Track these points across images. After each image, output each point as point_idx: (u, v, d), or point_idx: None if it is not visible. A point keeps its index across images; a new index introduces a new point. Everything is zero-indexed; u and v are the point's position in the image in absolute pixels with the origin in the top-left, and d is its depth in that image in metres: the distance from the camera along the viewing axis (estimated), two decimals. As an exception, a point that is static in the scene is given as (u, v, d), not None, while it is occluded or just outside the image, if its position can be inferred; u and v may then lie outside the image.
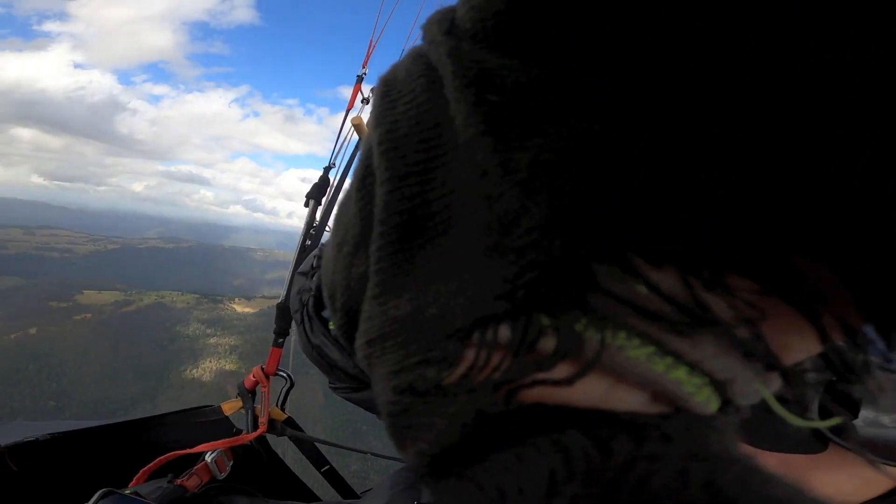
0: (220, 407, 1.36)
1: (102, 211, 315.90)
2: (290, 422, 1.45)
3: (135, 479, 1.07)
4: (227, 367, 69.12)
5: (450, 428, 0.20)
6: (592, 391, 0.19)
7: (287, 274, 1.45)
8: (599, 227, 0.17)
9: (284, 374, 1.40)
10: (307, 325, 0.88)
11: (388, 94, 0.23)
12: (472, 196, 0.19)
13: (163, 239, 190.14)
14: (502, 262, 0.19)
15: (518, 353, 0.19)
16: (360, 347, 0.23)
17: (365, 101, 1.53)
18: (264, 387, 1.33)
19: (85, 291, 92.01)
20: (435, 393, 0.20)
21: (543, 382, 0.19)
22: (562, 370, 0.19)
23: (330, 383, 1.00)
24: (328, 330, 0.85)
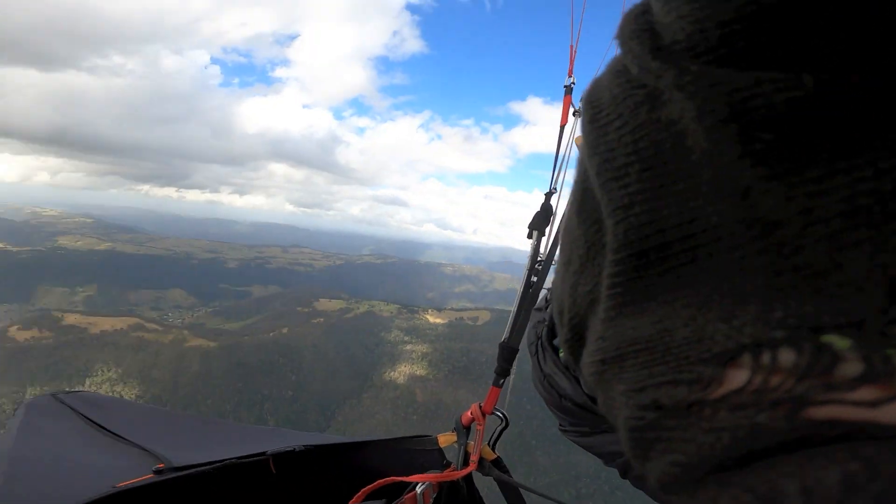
0: (436, 438, 1.39)
1: (332, 232, 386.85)
2: (498, 462, 1.41)
3: (354, 497, 1.14)
4: (418, 373, 75.40)
5: (715, 440, 0.20)
6: None
7: (511, 311, 1.42)
8: None
9: (500, 414, 1.39)
10: (540, 356, 0.90)
11: (597, 118, 0.22)
12: (741, 236, 0.18)
13: (374, 255, 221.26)
14: (789, 300, 0.18)
15: (805, 376, 0.18)
16: (591, 365, 0.24)
17: (577, 113, 1.37)
18: (480, 425, 1.33)
19: (320, 299, 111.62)
20: (689, 409, 0.20)
21: (841, 402, 0.18)
22: (866, 393, 0.18)
23: (559, 426, 0.99)
24: (559, 358, 0.86)
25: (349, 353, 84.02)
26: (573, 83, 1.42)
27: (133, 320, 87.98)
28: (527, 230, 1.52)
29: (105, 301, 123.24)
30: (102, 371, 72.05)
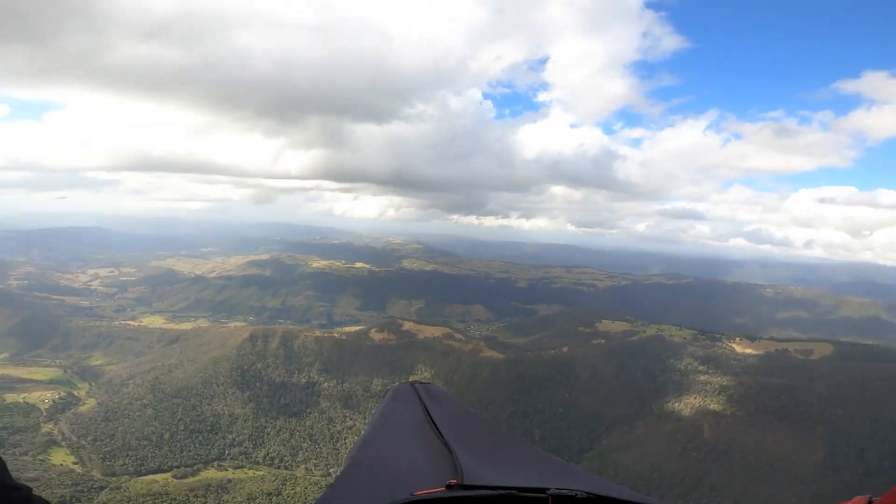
0: None
1: (615, 251, 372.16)
2: None
3: None
4: (711, 407, 62.42)
5: None
6: None
7: None
8: None
9: None
10: None
11: None
12: None
13: (664, 275, 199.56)
14: None
15: None
16: None
17: None
18: None
19: (603, 320, 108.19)
20: None
21: None
22: None
23: None
24: None
25: (628, 378, 77.43)
26: None
27: (446, 330, 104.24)
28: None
29: (429, 312, 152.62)
30: (421, 370, 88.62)
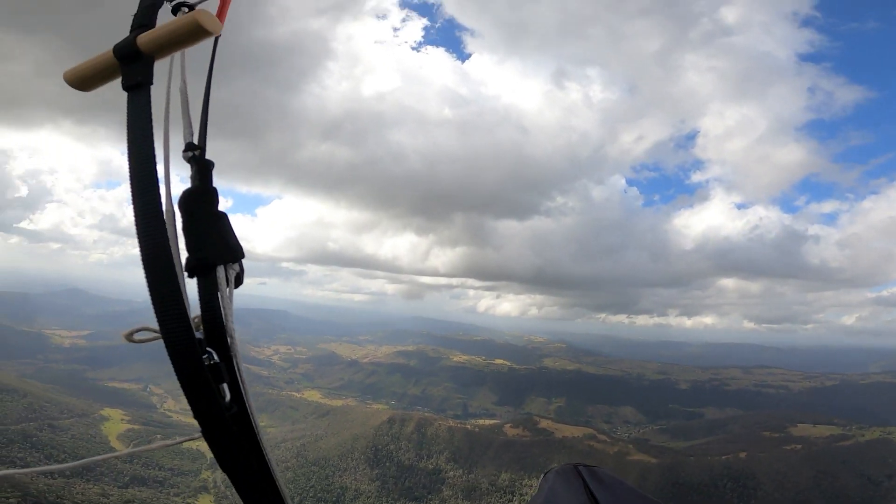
0: None
1: (813, 348, 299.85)
2: None
3: None
4: None
5: None
6: None
7: None
8: None
9: None
10: None
11: None
12: None
13: (889, 373, 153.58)
14: None
15: None
16: None
17: None
18: None
19: (799, 424, 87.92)
20: None
21: None
22: None
23: None
24: None
25: (835, 486, 57.14)
26: None
27: (588, 430, 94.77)
28: None
29: (570, 412, 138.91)
30: None
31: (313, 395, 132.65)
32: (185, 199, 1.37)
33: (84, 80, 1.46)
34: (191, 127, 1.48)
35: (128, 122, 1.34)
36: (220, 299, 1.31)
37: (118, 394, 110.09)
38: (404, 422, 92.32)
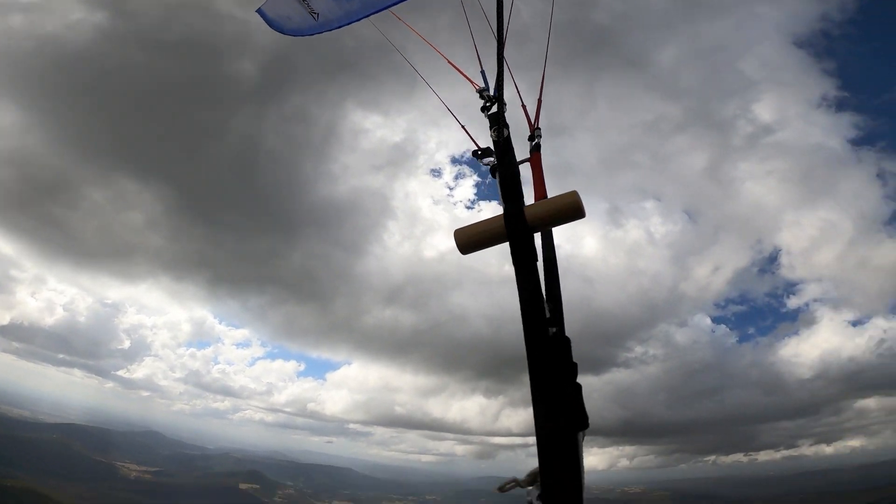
0: None
1: None
2: None
3: None
4: None
5: None
6: None
7: None
8: None
9: None
10: None
11: None
12: None
13: None
14: None
15: None
16: None
17: None
18: None
19: None
20: None
21: None
22: None
23: None
24: None
25: None
26: None
27: None
28: None
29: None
30: None
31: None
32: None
33: (470, 244, 1.68)
34: (544, 303, 1.69)
35: (521, 296, 1.57)
36: (579, 460, 1.55)
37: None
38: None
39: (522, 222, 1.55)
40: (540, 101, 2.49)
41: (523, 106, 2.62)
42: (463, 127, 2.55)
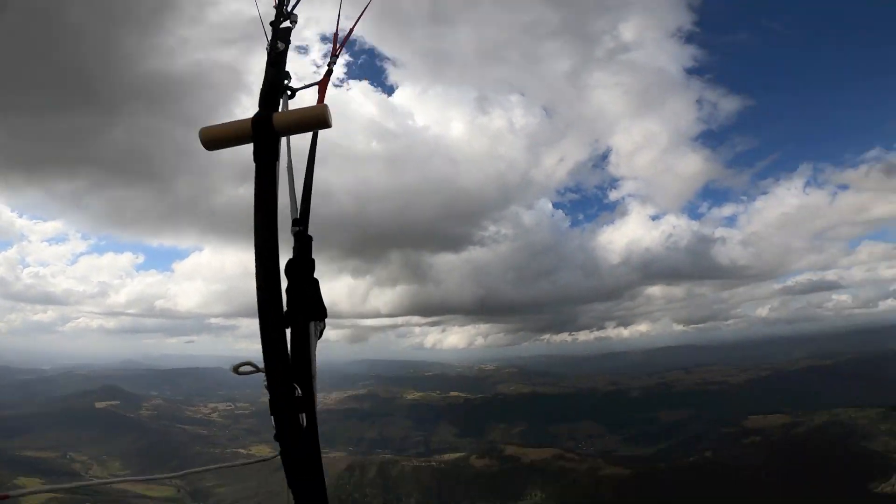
0: None
1: (739, 342, 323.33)
2: None
3: None
4: None
5: None
6: None
7: None
8: None
9: None
10: None
11: None
12: None
13: (814, 357, 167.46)
14: None
15: None
16: None
17: None
18: None
19: (750, 417, 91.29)
20: None
21: None
22: None
23: None
24: None
25: (816, 471, 58.38)
26: None
27: (555, 451, 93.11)
28: None
29: (533, 435, 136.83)
30: (531, 496, 75.48)
31: (262, 450, 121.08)
32: (290, 267, 1.82)
33: (214, 141, 1.85)
34: (296, 203, 1.92)
35: (256, 192, 1.76)
36: (310, 348, 1.76)
37: (34, 463, 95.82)
38: (365, 467, 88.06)
39: (269, 127, 1.71)
40: (348, 36, 2.56)
41: (336, 32, 2.63)
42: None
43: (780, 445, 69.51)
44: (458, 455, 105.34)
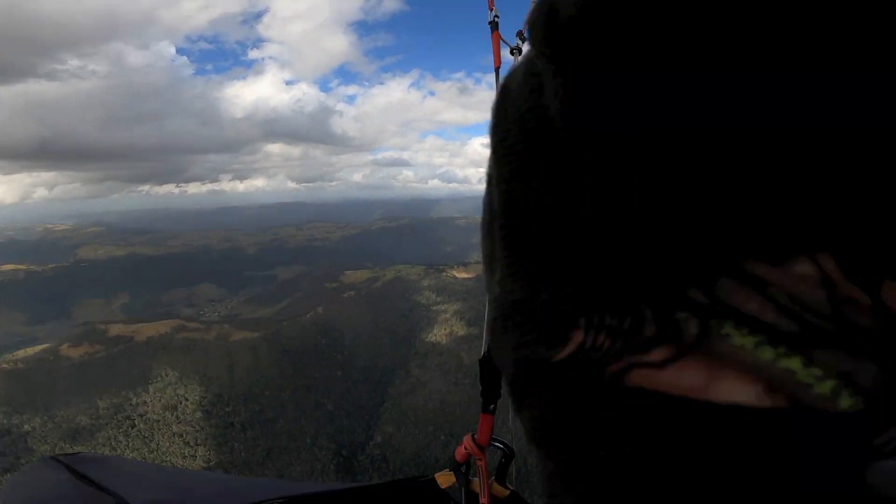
0: (434, 479, 1.15)
1: (339, 202, 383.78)
2: (515, 498, 1.15)
3: None
4: (459, 333, 76.27)
5: (557, 399, 0.25)
6: (689, 378, 0.21)
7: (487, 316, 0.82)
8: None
9: (500, 445, 1.10)
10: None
11: (504, 102, 0.28)
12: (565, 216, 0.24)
13: (386, 219, 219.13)
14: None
15: (620, 337, 0.22)
16: (489, 323, 0.31)
17: (517, 50, 1.12)
18: (479, 460, 1.07)
19: (346, 272, 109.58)
20: (546, 367, 0.25)
21: (640, 365, 0.22)
22: (658, 354, 0.22)
23: None
24: None
25: (387, 323, 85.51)
26: (496, 18, 1.16)
27: (174, 322, 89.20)
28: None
29: (141, 306, 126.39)
30: (162, 376, 74.18)
31: None
32: None
33: None
34: None
35: None
36: None
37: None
38: None
39: None
40: None
41: None
42: None
43: (367, 298, 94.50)
44: (41, 348, 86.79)
